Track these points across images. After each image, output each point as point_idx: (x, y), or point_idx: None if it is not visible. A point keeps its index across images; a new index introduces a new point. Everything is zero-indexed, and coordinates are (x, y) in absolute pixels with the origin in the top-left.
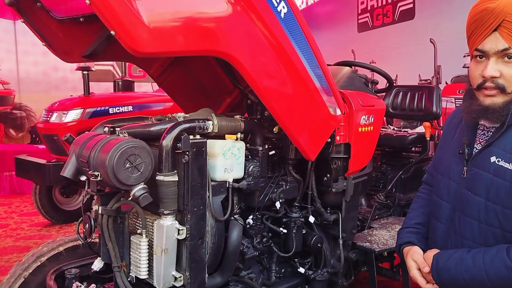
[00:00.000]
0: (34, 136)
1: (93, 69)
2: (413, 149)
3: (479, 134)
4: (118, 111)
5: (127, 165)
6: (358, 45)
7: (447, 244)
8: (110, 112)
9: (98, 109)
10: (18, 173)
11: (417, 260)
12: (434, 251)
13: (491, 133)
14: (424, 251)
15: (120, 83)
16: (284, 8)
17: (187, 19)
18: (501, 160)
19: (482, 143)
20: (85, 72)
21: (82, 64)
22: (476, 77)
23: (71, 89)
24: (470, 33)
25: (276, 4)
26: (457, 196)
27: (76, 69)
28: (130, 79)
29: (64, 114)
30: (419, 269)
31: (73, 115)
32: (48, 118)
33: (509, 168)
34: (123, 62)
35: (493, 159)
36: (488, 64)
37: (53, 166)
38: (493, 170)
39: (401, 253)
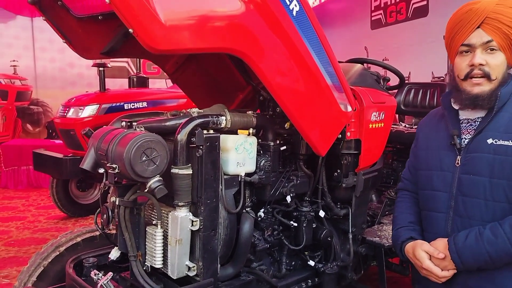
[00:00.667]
0: (50, 131)
1: (108, 65)
2: None
3: (464, 126)
4: (133, 107)
5: (144, 158)
6: (371, 42)
7: (453, 230)
8: (125, 108)
9: (114, 104)
10: (36, 167)
11: (429, 249)
12: (441, 239)
13: (477, 123)
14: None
15: (135, 79)
16: (296, 6)
17: (201, 17)
18: (498, 140)
19: (470, 133)
20: (101, 69)
21: (98, 61)
22: (463, 68)
23: (86, 85)
24: (454, 33)
25: (288, 3)
26: (455, 184)
27: (92, 66)
28: (144, 76)
29: (80, 109)
30: (430, 260)
31: (89, 111)
32: (65, 114)
33: (509, 144)
34: (138, 59)
35: (490, 141)
36: (476, 54)
37: (69, 160)
38: (493, 149)
39: (403, 251)
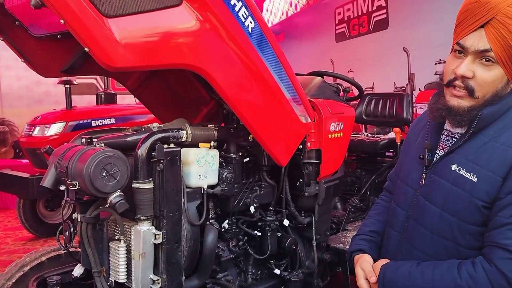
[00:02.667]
0: (17, 150)
1: (75, 82)
2: (387, 154)
3: (443, 139)
4: (101, 123)
5: (104, 174)
6: (336, 54)
7: (398, 253)
8: (93, 124)
9: (81, 122)
10: (2, 188)
11: (365, 269)
12: (384, 261)
13: (454, 140)
14: (375, 260)
15: (102, 96)
16: (251, 23)
17: (157, 35)
18: (462, 169)
19: (444, 149)
20: (66, 86)
21: (63, 78)
22: (449, 72)
23: (54, 103)
24: (458, 23)
25: (243, 20)
26: (413, 204)
27: (58, 83)
28: (112, 92)
29: (46, 127)
30: (367, 279)
31: (55, 129)
32: (31, 132)
33: (469, 178)
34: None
35: (454, 167)
36: (463, 62)
37: (36, 179)
38: (453, 179)
39: (352, 261)
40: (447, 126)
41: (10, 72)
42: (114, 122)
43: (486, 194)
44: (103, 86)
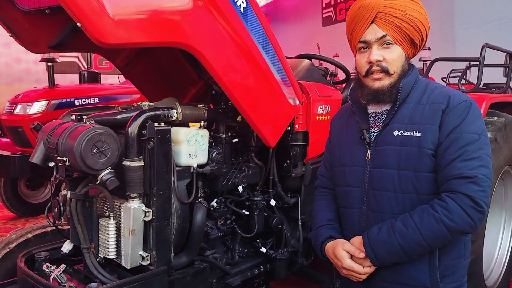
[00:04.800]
0: None
1: (57, 60)
2: None
3: (372, 120)
4: (84, 102)
5: (94, 151)
6: (322, 38)
7: (367, 226)
8: (76, 103)
9: (64, 100)
10: None
11: (349, 248)
12: (357, 237)
13: (385, 116)
14: None
15: (86, 74)
16: (243, 3)
17: (150, 12)
18: (404, 132)
19: (378, 126)
20: (49, 64)
21: (46, 55)
22: (363, 65)
23: (34, 81)
24: (351, 30)
25: None
26: (367, 178)
27: (40, 61)
28: (96, 71)
29: (28, 105)
30: (351, 258)
31: (37, 107)
32: (12, 110)
33: (414, 135)
34: (88, 54)
35: (395, 133)
36: (372, 51)
37: (18, 158)
38: (399, 141)
39: (323, 251)
40: (371, 109)
41: None
42: (98, 101)
43: (431, 143)
44: (85, 65)
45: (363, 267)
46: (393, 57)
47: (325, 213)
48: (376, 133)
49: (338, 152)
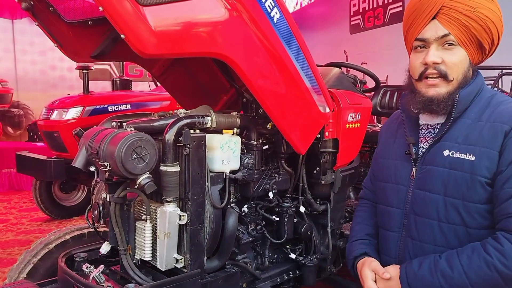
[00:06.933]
0: (32, 134)
1: (92, 68)
2: None
3: (423, 133)
4: (117, 109)
5: (134, 156)
6: (350, 46)
7: (404, 253)
8: (109, 110)
9: (98, 107)
10: (19, 169)
11: (376, 267)
12: (394, 267)
13: (437, 130)
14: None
15: (118, 82)
16: (277, 13)
17: (188, 23)
18: (456, 152)
19: (429, 141)
20: (85, 71)
21: (81, 64)
22: (417, 66)
23: (68, 87)
24: (409, 25)
25: (269, 10)
26: (409, 199)
27: (76, 68)
28: (128, 78)
29: (64, 111)
30: (375, 281)
31: (73, 113)
32: (49, 116)
33: (467, 158)
34: (121, 62)
35: (446, 152)
36: (430, 51)
37: (53, 162)
38: (449, 163)
39: (355, 268)
40: (423, 120)
41: (25, 56)
42: (129, 107)
43: (486, 170)
44: (117, 72)
45: None
46: (454, 60)
47: (364, 227)
48: (424, 149)
49: (382, 165)
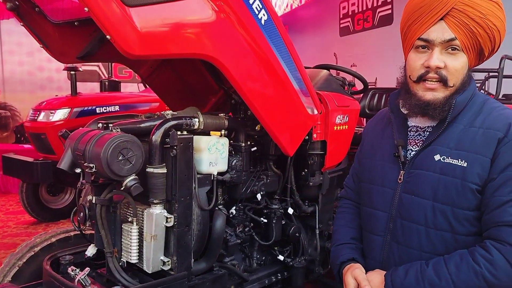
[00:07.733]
0: (18, 135)
1: (80, 69)
2: None
3: (412, 135)
4: (105, 110)
5: (120, 158)
6: (340, 48)
7: (389, 258)
8: (97, 111)
9: (85, 108)
10: (6, 171)
11: (359, 276)
12: (378, 271)
13: (427, 133)
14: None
15: (106, 83)
16: (264, 15)
17: (175, 25)
18: (447, 158)
19: (418, 144)
20: (72, 72)
21: (69, 65)
22: (417, 67)
23: (56, 89)
24: (411, 21)
25: (257, 12)
26: (395, 203)
27: (63, 69)
28: (116, 80)
29: (51, 113)
30: None
31: (60, 114)
32: (36, 117)
33: (459, 164)
34: (109, 63)
35: (437, 157)
36: (433, 54)
37: (40, 164)
38: (440, 168)
39: (340, 273)
40: (412, 122)
41: (12, 57)
42: (118, 109)
43: (478, 177)
44: (105, 73)
45: None
46: (456, 66)
47: (348, 230)
48: (414, 152)
49: (368, 166)
